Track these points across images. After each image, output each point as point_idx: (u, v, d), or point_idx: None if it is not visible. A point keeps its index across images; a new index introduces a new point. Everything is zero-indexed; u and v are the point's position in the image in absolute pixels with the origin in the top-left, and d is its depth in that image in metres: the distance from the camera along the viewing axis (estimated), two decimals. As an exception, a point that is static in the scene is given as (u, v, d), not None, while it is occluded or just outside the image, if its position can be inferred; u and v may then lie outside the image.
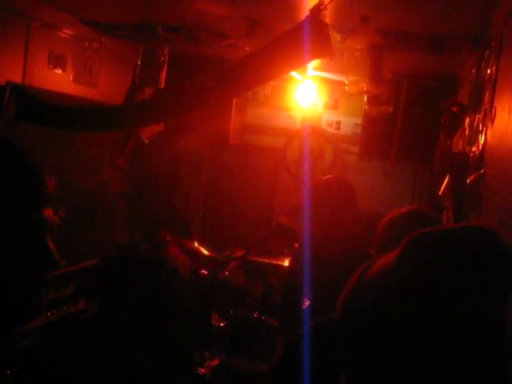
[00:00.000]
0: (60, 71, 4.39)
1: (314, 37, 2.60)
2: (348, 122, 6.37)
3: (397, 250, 0.97)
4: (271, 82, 5.95)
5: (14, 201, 1.14)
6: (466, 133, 3.84)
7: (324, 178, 3.73)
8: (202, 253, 5.24)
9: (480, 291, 0.90)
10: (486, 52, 3.37)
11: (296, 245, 5.20)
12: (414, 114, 5.36)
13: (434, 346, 0.89)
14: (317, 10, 2.78)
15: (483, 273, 0.90)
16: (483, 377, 0.90)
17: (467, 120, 3.88)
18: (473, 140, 3.47)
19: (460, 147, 4.00)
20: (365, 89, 3.58)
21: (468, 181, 3.15)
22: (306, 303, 4.12)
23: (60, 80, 4.41)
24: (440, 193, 3.98)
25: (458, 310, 0.89)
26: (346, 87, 3.69)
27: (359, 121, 5.93)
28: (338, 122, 6.41)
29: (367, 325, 0.95)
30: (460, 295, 0.89)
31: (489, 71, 3.21)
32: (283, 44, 2.70)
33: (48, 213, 1.20)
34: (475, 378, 0.90)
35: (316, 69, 5.41)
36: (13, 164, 1.17)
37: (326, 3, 2.88)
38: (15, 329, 1.22)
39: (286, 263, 4.63)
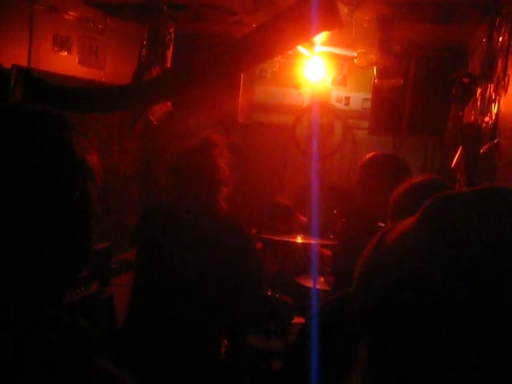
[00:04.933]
0: (66, 53, 4.35)
1: (322, 8, 2.56)
2: (357, 97, 6.32)
3: (416, 214, 0.94)
4: (279, 59, 5.91)
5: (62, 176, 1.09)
6: (478, 103, 3.79)
7: (373, 154, 3.62)
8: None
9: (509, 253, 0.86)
10: (498, 19, 3.31)
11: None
12: (425, 87, 5.30)
13: (457, 312, 0.86)
14: (324, -19, 2.73)
15: (508, 237, 0.87)
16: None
17: (479, 90, 3.83)
18: (485, 110, 3.43)
19: (472, 118, 3.96)
20: (374, 61, 3.53)
21: (481, 151, 3.11)
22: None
23: (66, 63, 4.38)
24: (453, 165, 3.94)
25: (485, 273, 0.86)
26: (356, 60, 3.65)
27: (368, 96, 5.88)
28: (348, 98, 6.37)
29: (388, 292, 0.92)
30: (488, 257, 0.86)
31: (501, 39, 3.15)
32: (291, 16, 2.66)
33: (94, 191, 1.16)
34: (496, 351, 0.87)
35: (324, 44, 5.34)
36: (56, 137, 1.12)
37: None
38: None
39: (299, 240, 4.61)
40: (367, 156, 3.58)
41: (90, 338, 1.15)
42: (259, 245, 4.53)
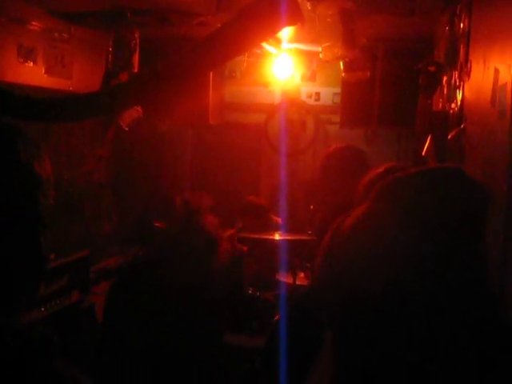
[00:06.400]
0: (31, 64, 4.33)
1: (283, 3, 2.58)
2: (327, 92, 6.36)
3: (367, 201, 0.96)
4: (246, 58, 5.92)
5: (6, 186, 1.08)
6: (445, 91, 3.83)
7: (333, 147, 3.63)
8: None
9: (454, 232, 0.88)
10: (458, 7, 3.35)
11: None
12: (392, 78, 5.34)
13: (411, 289, 0.88)
14: (283, -22, 2.75)
15: (453, 212, 0.88)
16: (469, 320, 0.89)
17: (445, 78, 3.87)
18: (451, 97, 3.46)
19: (440, 106, 4.00)
20: (339, 54, 3.56)
21: (449, 137, 3.15)
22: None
23: (32, 73, 4.36)
24: (423, 153, 3.97)
25: (434, 251, 0.87)
26: (321, 54, 3.66)
27: (338, 90, 5.91)
28: (317, 93, 6.41)
29: (346, 280, 0.94)
30: (435, 237, 0.88)
31: (462, 25, 3.19)
32: (253, 13, 2.67)
33: (44, 200, 1.14)
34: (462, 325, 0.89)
35: (290, 41, 5.36)
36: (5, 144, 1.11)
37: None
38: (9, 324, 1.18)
39: (277, 237, 4.63)
40: (326, 150, 3.62)
41: (47, 342, 1.14)
42: (244, 248, 4.49)
